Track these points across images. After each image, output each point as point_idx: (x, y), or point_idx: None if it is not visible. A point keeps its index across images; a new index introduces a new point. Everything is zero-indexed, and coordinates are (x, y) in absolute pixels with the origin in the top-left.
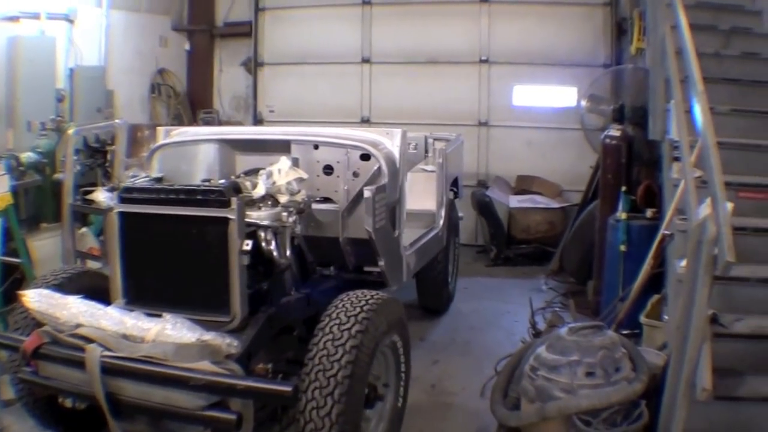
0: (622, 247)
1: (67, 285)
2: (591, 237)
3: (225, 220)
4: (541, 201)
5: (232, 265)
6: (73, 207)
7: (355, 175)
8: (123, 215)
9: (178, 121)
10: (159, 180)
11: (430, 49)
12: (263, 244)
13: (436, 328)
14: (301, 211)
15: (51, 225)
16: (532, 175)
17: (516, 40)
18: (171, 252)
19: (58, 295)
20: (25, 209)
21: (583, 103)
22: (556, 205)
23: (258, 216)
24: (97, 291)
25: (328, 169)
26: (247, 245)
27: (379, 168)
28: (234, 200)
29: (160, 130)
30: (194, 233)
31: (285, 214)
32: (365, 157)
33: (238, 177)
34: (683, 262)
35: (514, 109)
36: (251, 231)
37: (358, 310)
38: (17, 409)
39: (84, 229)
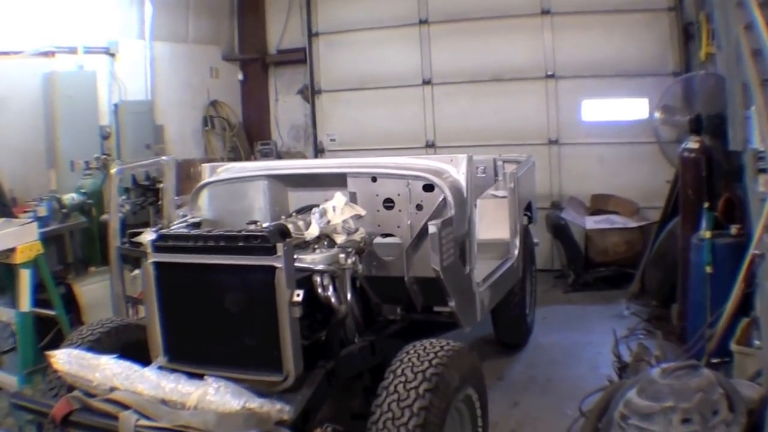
0: (708, 269)
1: (105, 341)
2: (673, 257)
3: (271, 269)
4: (618, 221)
5: (282, 318)
6: (120, 250)
7: (419, 208)
8: (159, 265)
9: (235, 154)
10: (197, 225)
11: (493, 66)
12: (319, 290)
13: (515, 364)
14: (360, 251)
15: (100, 269)
16: (607, 194)
17: (581, 52)
18: (214, 305)
19: (90, 355)
20: (72, 252)
21: (657, 114)
22: (633, 224)
23: (312, 260)
24: (138, 346)
25: (389, 203)
26: (298, 295)
27: (444, 199)
28: (280, 246)
29: (205, 167)
30: (238, 284)
31: (342, 255)
32: (429, 187)
33: (290, 216)
34: None
35: (583, 125)
36: (305, 276)
37: (426, 364)
38: None
39: (136, 272)
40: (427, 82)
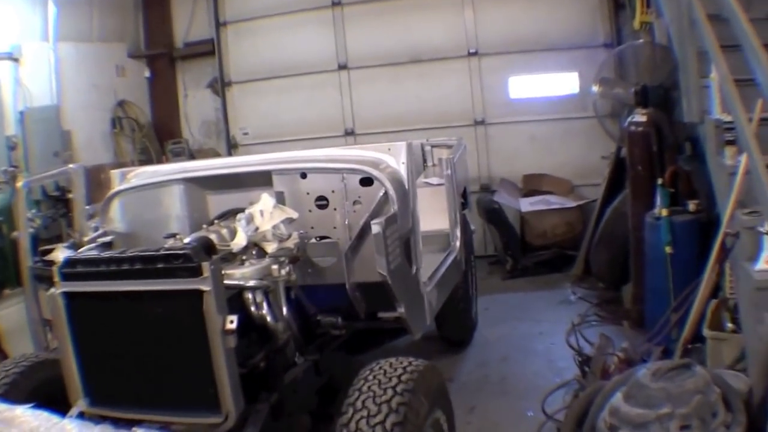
0: (668, 249)
1: (21, 383)
2: (622, 237)
3: (198, 293)
4: (555, 201)
5: (214, 350)
6: (33, 270)
7: (357, 204)
8: (69, 295)
9: (146, 155)
10: (109, 245)
11: (412, 46)
12: (252, 308)
13: (464, 363)
14: (295, 259)
15: (15, 290)
16: (540, 173)
17: (505, 28)
18: (135, 338)
19: (3, 407)
20: None
21: (595, 88)
22: (572, 203)
23: (242, 274)
24: (58, 383)
25: (322, 201)
26: (232, 322)
27: (386, 193)
28: (206, 265)
29: (115, 173)
30: (161, 312)
31: (275, 266)
32: (366, 181)
33: (212, 224)
34: (760, 265)
35: (511, 103)
36: (235, 295)
37: (391, 392)
38: None
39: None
40: (343, 67)
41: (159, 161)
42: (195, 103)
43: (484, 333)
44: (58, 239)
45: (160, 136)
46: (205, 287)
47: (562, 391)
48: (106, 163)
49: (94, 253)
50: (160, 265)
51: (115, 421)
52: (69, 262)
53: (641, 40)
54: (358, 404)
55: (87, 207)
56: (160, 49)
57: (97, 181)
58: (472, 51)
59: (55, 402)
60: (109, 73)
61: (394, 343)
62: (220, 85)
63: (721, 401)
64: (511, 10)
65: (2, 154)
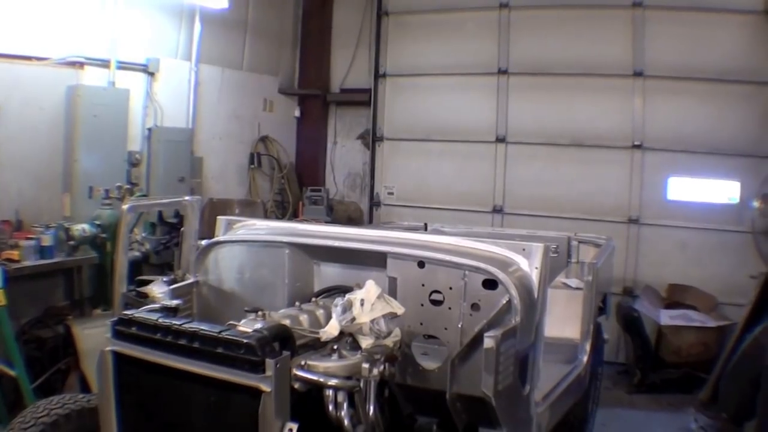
0: None
1: (62, 426)
2: (756, 369)
3: (256, 392)
4: (696, 318)
5: None
6: (125, 297)
7: (475, 308)
8: (118, 356)
9: (282, 197)
10: (174, 310)
11: (575, 129)
12: (330, 407)
13: None
14: (392, 358)
15: (106, 312)
16: (686, 285)
17: (673, 122)
18: (181, 421)
19: None
20: (77, 290)
21: (755, 203)
22: (713, 323)
23: (326, 369)
24: None
25: (438, 296)
26: (291, 430)
27: (510, 302)
28: (270, 363)
29: (221, 220)
30: (213, 401)
31: (366, 365)
32: (490, 283)
33: (311, 301)
34: None
35: (667, 205)
36: (310, 389)
37: None
38: None
39: None
40: (501, 140)
41: (295, 205)
42: (343, 153)
43: None
44: (169, 267)
45: (301, 180)
46: (265, 387)
47: None
48: (234, 199)
49: (153, 316)
50: (219, 350)
51: None
52: (124, 321)
53: None
54: None
55: (199, 242)
56: (314, 90)
57: (221, 215)
58: (636, 143)
59: None
60: (254, 105)
61: None
62: (371, 139)
63: None
64: (681, 105)
65: (121, 168)
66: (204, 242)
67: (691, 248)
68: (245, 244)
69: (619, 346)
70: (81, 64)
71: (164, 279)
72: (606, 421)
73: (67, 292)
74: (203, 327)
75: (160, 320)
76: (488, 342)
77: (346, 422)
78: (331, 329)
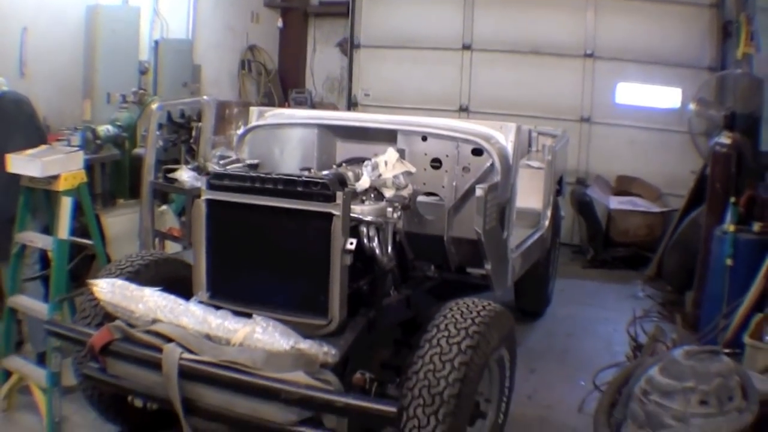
0: (728, 261)
1: (144, 273)
2: (693, 246)
3: (329, 216)
4: (641, 204)
5: (333, 265)
6: (153, 185)
7: (466, 170)
8: (212, 202)
9: (268, 99)
10: (254, 167)
11: (534, 39)
12: (365, 240)
13: (533, 332)
14: (406, 207)
15: (128, 201)
16: (633, 176)
17: (621, 36)
18: (264, 246)
19: (133, 287)
20: (101, 184)
21: (692, 106)
22: (656, 209)
23: (361, 210)
24: (176, 281)
25: (436, 163)
26: (351, 244)
27: (492, 164)
28: (339, 194)
29: (253, 110)
30: (293, 228)
31: (390, 209)
32: (477, 152)
33: (339, 166)
34: None
35: (616, 107)
36: (353, 226)
37: (469, 322)
38: (78, 397)
39: (164, 207)
40: (466, 48)
41: (281, 106)
42: (322, 59)
43: (555, 310)
44: (175, 163)
45: (285, 84)
46: (335, 212)
47: (613, 369)
48: (232, 101)
49: (241, 171)
50: (300, 189)
51: (233, 313)
52: (217, 175)
53: (740, 70)
54: (442, 326)
55: (212, 137)
56: (295, 4)
57: (221, 116)
58: (588, 52)
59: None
60: (244, 18)
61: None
62: (348, 46)
63: (740, 389)
64: (629, 19)
65: (133, 76)
66: (244, 127)
67: (638, 145)
68: (280, 127)
69: (574, 230)
70: None
71: (190, 167)
72: (564, 288)
73: (89, 187)
74: (284, 174)
75: (250, 173)
76: (479, 191)
77: (377, 250)
78: (364, 182)
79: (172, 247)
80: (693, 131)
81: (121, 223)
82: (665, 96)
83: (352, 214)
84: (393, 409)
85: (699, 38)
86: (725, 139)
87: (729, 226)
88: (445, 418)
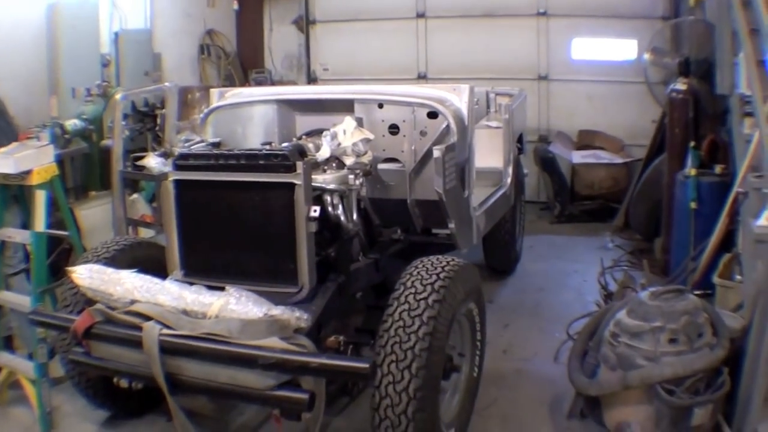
0: (692, 205)
1: (120, 257)
2: (658, 193)
3: (290, 186)
4: (604, 156)
5: (299, 233)
6: (123, 174)
7: (423, 134)
8: (179, 183)
9: (229, 82)
10: (216, 145)
11: (486, 2)
12: (330, 208)
13: (504, 289)
14: (367, 173)
15: (99, 193)
16: (594, 130)
17: None
18: (232, 220)
19: (110, 270)
20: (72, 178)
21: (646, 56)
22: (619, 160)
23: (324, 179)
24: (151, 263)
25: (394, 129)
26: (315, 211)
27: (448, 126)
28: (299, 164)
29: (214, 92)
30: (257, 200)
31: (351, 176)
32: (432, 115)
33: (300, 139)
34: (760, 221)
35: (573, 63)
36: (317, 195)
37: (435, 278)
38: (68, 387)
39: (135, 196)
40: (420, 16)
41: (242, 86)
42: (279, 38)
43: (525, 266)
44: (142, 151)
45: (244, 65)
46: (297, 181)
47: (586, 319)
48: (194, 86)
49: (204, 149)
50: (261, 162)
51: (208, 287)
52: (182, 156)
53: (692, 17)
54: (408, 284)
55: (177, 122)
56: None
57: (184, 101)
58: (541, 11)
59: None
60: (200, 3)
61: None
62: (304, 23)
63: (709, 326)
64: None
65: (96, 70)
66: (206, 109)
67: (597, 99)
68: (240, 106)
69: (539, 188)
70: None
71: (157, 153)
72: (533, 244)
73: (61, 181)
74: (245, 149)
75: (212, 151)
76: (436, 152)
77: (342, 217)
78: (324, 152)
79: (145, 234)
80: (650, 81)
81: (94, 215)
82: (621, 48)
83: (314, 184)
84: (366, 365)
85: None
86: (681, 85)
87: (691, 170)
88: (418, 372)
